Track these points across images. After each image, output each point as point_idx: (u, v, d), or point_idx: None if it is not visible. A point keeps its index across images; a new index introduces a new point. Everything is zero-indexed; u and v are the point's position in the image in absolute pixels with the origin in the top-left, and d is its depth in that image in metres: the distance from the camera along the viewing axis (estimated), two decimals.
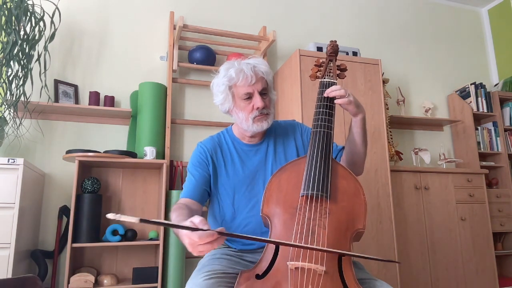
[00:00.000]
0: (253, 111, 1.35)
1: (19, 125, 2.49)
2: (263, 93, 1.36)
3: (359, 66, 3.01)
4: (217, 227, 1.42)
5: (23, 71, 2.39)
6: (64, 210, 2.56)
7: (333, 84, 1.39)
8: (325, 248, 1.08)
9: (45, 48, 2.50)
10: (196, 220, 0.95)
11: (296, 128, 1.53)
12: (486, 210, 3.30)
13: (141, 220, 0.78)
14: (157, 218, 2.71)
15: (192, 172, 1.41)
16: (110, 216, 0.78)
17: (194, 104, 3.11)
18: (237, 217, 1.37)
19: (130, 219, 0.77)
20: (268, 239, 1.04)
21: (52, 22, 2.54)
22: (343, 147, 1.48)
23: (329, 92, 1.32)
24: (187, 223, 0.95)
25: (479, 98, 3.80)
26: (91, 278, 2.30)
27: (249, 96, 1.35)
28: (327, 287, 1.05)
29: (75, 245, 2.32)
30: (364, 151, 1.42)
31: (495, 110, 3.81)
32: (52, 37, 2.51)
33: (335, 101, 1.33)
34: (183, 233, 0.95)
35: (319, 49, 3.07)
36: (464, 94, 3.87)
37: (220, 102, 1.39)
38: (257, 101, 1.34)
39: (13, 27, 2.32)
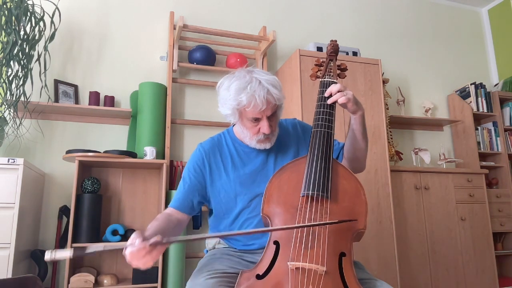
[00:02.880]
0: (259, 134, 1.32)
1: (19, 125, 2.49)
2: (272, 115, 1.31)
3: (359, 66, 3.02)
4: (218, 227, 1.42)
5: (23, 71, 2.39)
6: (64, 210, 2.55)
7: (334, 84, 1.38)
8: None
9: (45, 48, 2.49)
10: (132, 236, 0.98)
11: (297, 127, 1.52)
12: (486, 210, 3.30)
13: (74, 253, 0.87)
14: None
15: (185, 178, 1.41)
16: (47, 256, 0.86)
17: (194, 104, 3.11)
18: (239, 218, 1.36)
19: (65, 254, 0.89)
20: (217, 234, 1.09)
21: (52, 22, 2.54)
22: (343, 144, 1.48)
23: (330, 99, 1.30)
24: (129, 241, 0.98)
25: (479, 98, 3.80)
26: (91, 278, 2.30)
27: (257, 119, 1.30)
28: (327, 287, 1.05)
29: (75, 245, 2.31)
30: (365, 146, 1.41)
31: (495, 110, 3.81)
32: (52, 37, 2.51)
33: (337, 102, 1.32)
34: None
35: (319, 49, 3.07)
36: (464, 94, 3.87)
37: (225, 114, 1.34)
38: (264, 126, 1.29)
39: (13, 27, 2.32)
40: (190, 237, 1.01)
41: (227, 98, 1.29)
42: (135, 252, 0.95)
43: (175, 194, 1.42)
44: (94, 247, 0.91)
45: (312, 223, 1.10)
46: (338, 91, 1.29)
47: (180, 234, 1.39)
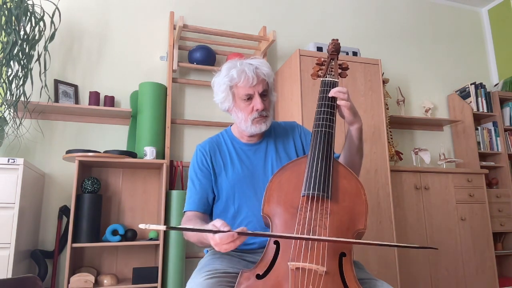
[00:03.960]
0: (253, 113, 1.36)
1: (19, 125, 2.49)
2: (264, 94, 1.37)
3: (359, 66, 3.01)
4: None
5: (23, 71, 2.39)
6: (64, 210, 2.55)
7: (335, 83, 1.38)
8: (333, 238, 1.10)
9: (45, 48, 2.49)
10: (218, 223, 1.04)
11: (295, 129, 1.53)
12: (486, 210, 3.30)
13: (168, 228, 0.91)
14: (157, 220, 2.72)
15: (193, 179, 1.42)
16: (141, 226, 0.91)
17: (194, 104, 3.11)
18: (238, 217, 1.37)
19: (158, 227, 0.90)
20: (288, 235, 1.09)
21: (52, 22, 2.54)
22: (339, 155, 1.47)
23: (332, 93, 1.32)
24: (209, 227, 1.05)
25: (479, 98, 3.80)
26: (91, 278, 2.30)
27: (249, 97, 1.35)
28: None
29: (75, 245, 2.31)
30: (359, 161, 1.41)
31: (495, 110, 3.81)
32: (52, 37, 2.51)
33: (338, 101, 1.32)
34: (209, 236, 1.05)
35: (319, 49, 3.07)
36: (464, 94, 3.87)
37: (220, 101, 1.40)
38: (257, 103, 1.34)
39: (13, 27, 2.32)
40: (264, 233, 1.07)
41: (220, 81, 1.38)
42: (224, 238, 1.01)
43: (187, 198, 1.42)
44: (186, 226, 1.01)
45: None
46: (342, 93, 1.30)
47: None
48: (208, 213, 1.42)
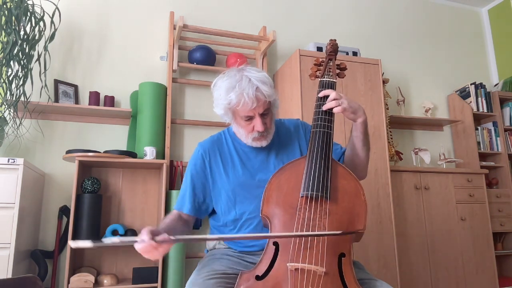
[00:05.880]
0: (253, 132, 1.33)
1: (19, 125, 2.49)
2: (265, 113, 1.32)
3: (359, 66, 3.01)
4: (220, 227, 1.42)
5: (23, 71, 2.39)
6: (64, 210, 2.56)
7: (333, 83, 1.38)
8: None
9: (45, 48, 2.50)
10: (142, 231, 1.05)
11: (299, 127, 1.50)
12: (486, 210, 3.30)
13: (94, 243, 0.95)
14: (157, 220, 2.72)
15: (187, 179, 1.42)
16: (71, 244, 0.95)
17: (194, 104, 3.11)
18: (240, 220, 1.36)
19: (85, 244, 0.94)
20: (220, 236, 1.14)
21: (52, 22, 2.54)
22: (345, 149, 1.48)
23: (324, 106, 1.31)
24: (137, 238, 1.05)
25: (479, 98, 3.80)
26: (91, 278, 2.30)
27: (250, 118, 1.31)
28: None
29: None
30: (365, 155, 1.39)
31: (495, 110, 3.81)
32: (52, 37, 2.51)
33: (333, 110, 1.30)
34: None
35: (319, 49, 3.07)
36: (464, 94, 3.87)
37: (219, 114, 1.36)
38: (258, 124, 1.30)
39: (13, 27, 2.32)
40: (195, 237, 1.08)
41: (218, 98, 1.31)
42: (142, 248, 1.02)
43: (181, 195, 1.42)
44: (111, 240, 1.00)
45: (314, 233, 1.10)
46: (334, 99, 1.28)
47: (187, 233, 1.42)
48: (193, 215, 1.41)
